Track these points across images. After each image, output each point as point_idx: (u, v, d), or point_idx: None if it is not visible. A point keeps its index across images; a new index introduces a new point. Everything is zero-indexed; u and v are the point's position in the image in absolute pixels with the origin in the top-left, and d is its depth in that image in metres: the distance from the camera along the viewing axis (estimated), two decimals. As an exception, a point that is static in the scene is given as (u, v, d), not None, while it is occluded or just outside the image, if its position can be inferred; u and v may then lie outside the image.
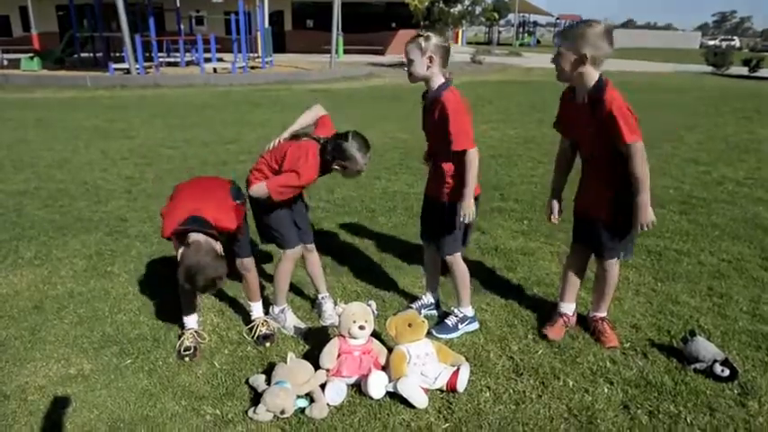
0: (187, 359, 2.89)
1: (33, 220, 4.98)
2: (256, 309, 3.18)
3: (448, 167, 2.92)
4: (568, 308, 3.20)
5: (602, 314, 3.16)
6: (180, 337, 3.02)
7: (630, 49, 42.80)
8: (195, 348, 2.94)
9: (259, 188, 2.91)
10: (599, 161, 2.82)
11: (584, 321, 3.22)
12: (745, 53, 33.46)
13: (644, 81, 18.40)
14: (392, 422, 2.43)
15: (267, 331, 3.09)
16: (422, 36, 2.79)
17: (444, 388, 2.60)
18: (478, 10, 25.17)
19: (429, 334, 3.00)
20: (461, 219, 2.89)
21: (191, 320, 3.06)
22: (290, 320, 3.22)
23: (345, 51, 26.74)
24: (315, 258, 3.32)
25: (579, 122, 2.78)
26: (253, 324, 3.14)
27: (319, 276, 3.36)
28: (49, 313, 3.36)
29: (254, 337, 3.07)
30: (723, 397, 2.59)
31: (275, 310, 3.25)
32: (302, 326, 3.19)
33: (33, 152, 7.66)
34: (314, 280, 3.38)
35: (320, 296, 3.38)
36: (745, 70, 22.89)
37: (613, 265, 2.99)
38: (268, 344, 3.04)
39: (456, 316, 3.20)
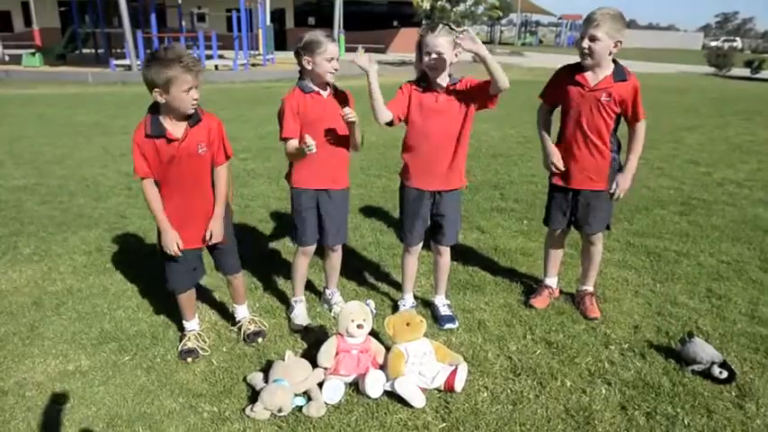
0: (190, 360, 2.87)
1: (33, 215, 4.98)
2: (241, 310, 3.19)
3: (457, 150, 2.96)
4: (552, 281, 3.53)
5: (591, 288, 3.42)
6: (181, 339, 3.00)
7: (632, 50, 42.71)
8: (197, 351, 2.92)
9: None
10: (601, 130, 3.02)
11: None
12: (748, 54, 33.41)
13: (645, 82, 18.23)
14: (389, 421, 2.44)
15: (256, 328, 3.09)
16: (448, 27, 2.78)
17: (442, 387, 2.60)
18: (481, 9, 25.10)
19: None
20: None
21: (192, 324, 3.04)
22: (298, 313, 3.24)
23: (347, 49, 26.71)
24: (336, 256, 3.32)
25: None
26: (239, 324, 3.13)
27: (333, 273, 3.39)
28: (48, 309, 3.36)
29: (245, 337, 3.05)
30: (721, 399, 2.59)
31: (292, 299, 3.34)
32: (303, 324, 3.18)
33: (33, 148, 7.66)
34: (327, 274, 3.43)
35: (328, 291, 3.43)
36: (747, 72, 22.87)
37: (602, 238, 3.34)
38: (260, 340, 3.04)
39: (449, 306, 3.34)
